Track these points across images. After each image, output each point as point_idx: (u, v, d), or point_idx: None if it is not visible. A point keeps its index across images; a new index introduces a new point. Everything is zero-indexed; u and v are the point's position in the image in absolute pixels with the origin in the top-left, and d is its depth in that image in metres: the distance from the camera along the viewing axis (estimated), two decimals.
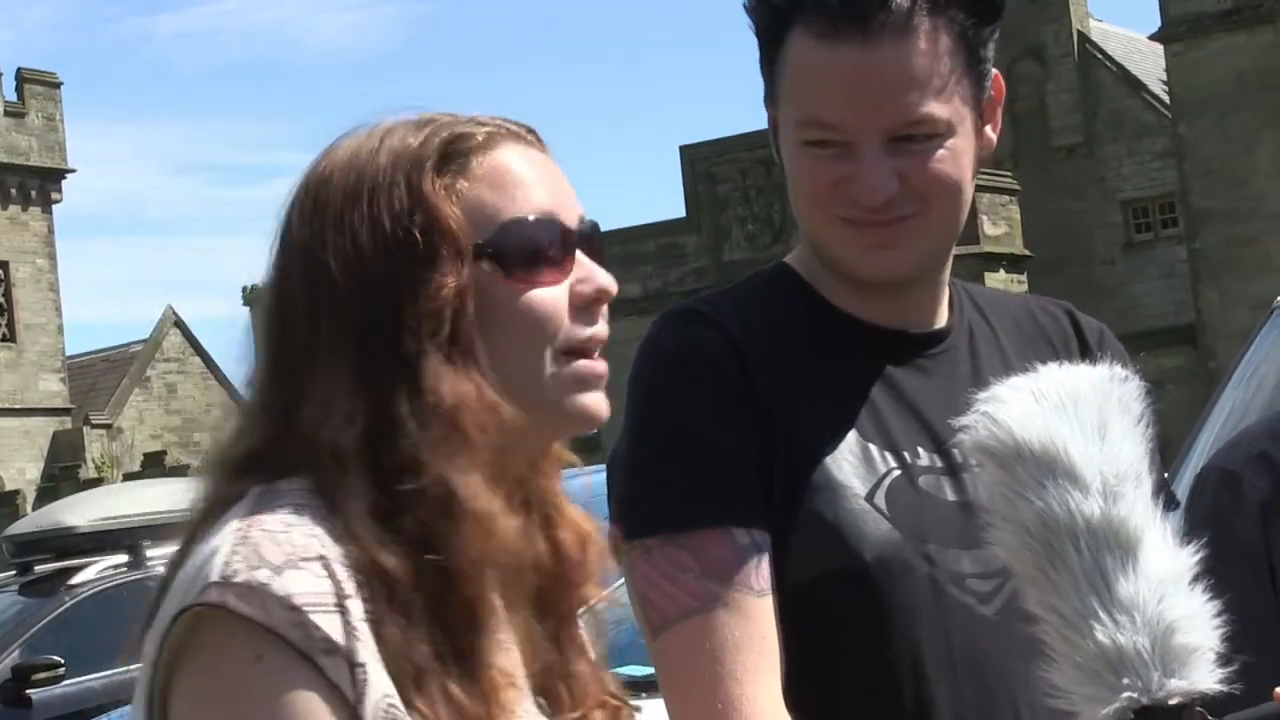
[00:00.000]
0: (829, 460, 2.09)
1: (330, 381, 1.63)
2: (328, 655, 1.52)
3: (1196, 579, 1.64)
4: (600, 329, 1.73)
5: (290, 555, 1.54)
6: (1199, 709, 1.61)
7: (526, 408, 1.67)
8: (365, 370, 1.63)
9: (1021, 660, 2.05)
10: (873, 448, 2.11)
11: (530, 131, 1.77)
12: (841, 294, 2.20)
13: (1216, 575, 1.66)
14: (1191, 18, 36.96)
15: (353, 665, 1.53)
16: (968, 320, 2.26)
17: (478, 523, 1.59)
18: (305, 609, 1.52)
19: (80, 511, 14.75)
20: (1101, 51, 43.52)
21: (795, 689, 2.04)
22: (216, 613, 1.52)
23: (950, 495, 2.12)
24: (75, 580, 13.34)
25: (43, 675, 12.08)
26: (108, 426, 46.30)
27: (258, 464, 1.65)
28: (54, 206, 46.40)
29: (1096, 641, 1.60)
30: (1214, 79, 36.71)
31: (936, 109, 2.09)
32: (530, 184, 1.71)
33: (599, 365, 1.73)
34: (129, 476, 39.97)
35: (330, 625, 1.52)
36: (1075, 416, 1.68)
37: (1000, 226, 34.85)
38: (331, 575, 1.54)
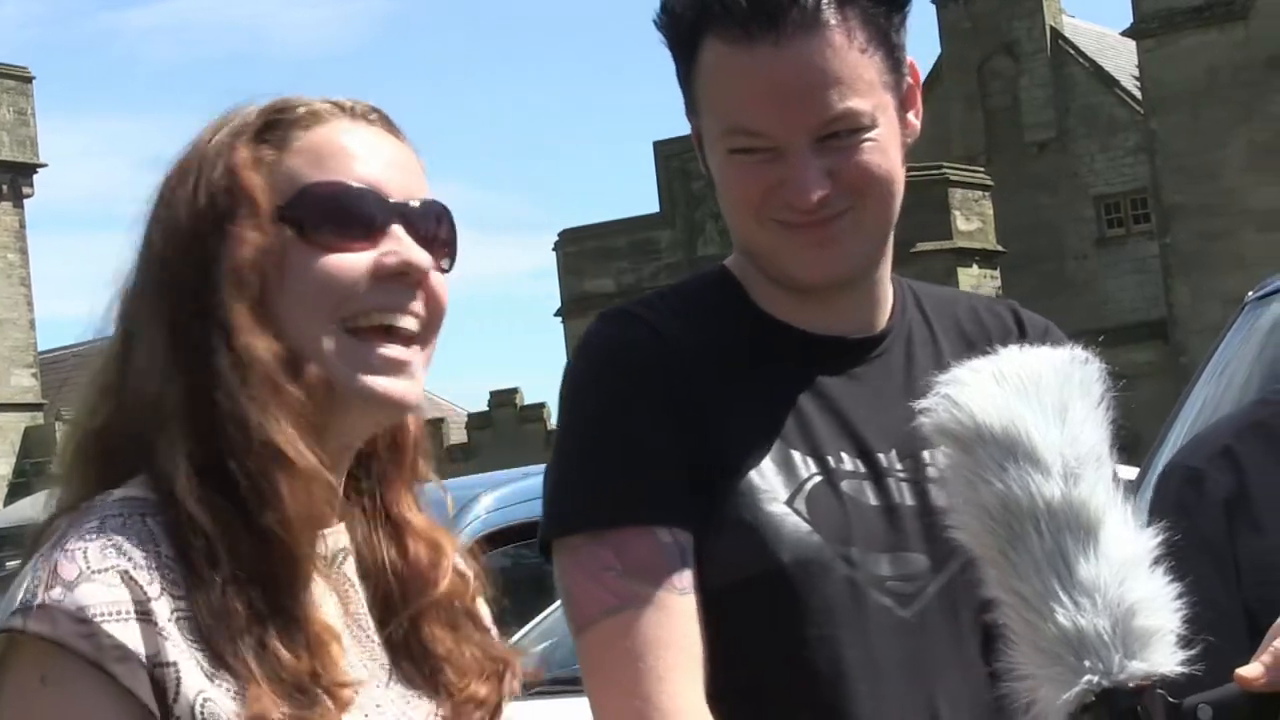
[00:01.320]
0: (751, 465, 2.10)
1: (151, 347, 1.66)
2: (121, 663, 1.55)
3: (1157, 561, 1.64)
4: (404, 305, 1.70)
5: (84, 569, 1.58)
6: (1159, 691, 1.61)
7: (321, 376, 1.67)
8: (181, 332, 1.65)
9: (940, 661, 2.08)
10: (795, 453, 2.12)
11: (375, 112, 1.76)
12: (774, 300, 2.20)
13: (1181, 572, 1.66)
14: (1163, 13, 37.05)
15: (160, 666, 1.56)
16: (908, 322, 2.26)
17: (299, 476, 1.61)
18: (96, 619, 1.55)
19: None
20: (1074, 47, 43.61)
21: (717, 688, 2.05)
22: (13, 638, 1.57)
23: (873, 500, 2.12)
24: None
25: None
26: None
27: (92, 462, 1.69)
28: (25, 201, 46.24)
29: (1057, 623, 1.59)
30: (1186, 75, 36.81)
31: (858, 103, 2.09)
32: (348, 157, 1.71)
33: (391, 350, 1.70)
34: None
35: (125, 632, 1.55)
36: (1036, 399, 1.67)
37: (973, 222, 34.92)
38: (130, 583, 1.57)
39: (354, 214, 1.69)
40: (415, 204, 1.73)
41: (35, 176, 46.51)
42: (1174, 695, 1.62)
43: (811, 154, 2.08)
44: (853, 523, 2.10)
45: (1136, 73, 39.59)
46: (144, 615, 1.56)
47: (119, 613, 1.56)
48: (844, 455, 2.14)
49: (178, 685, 1.56)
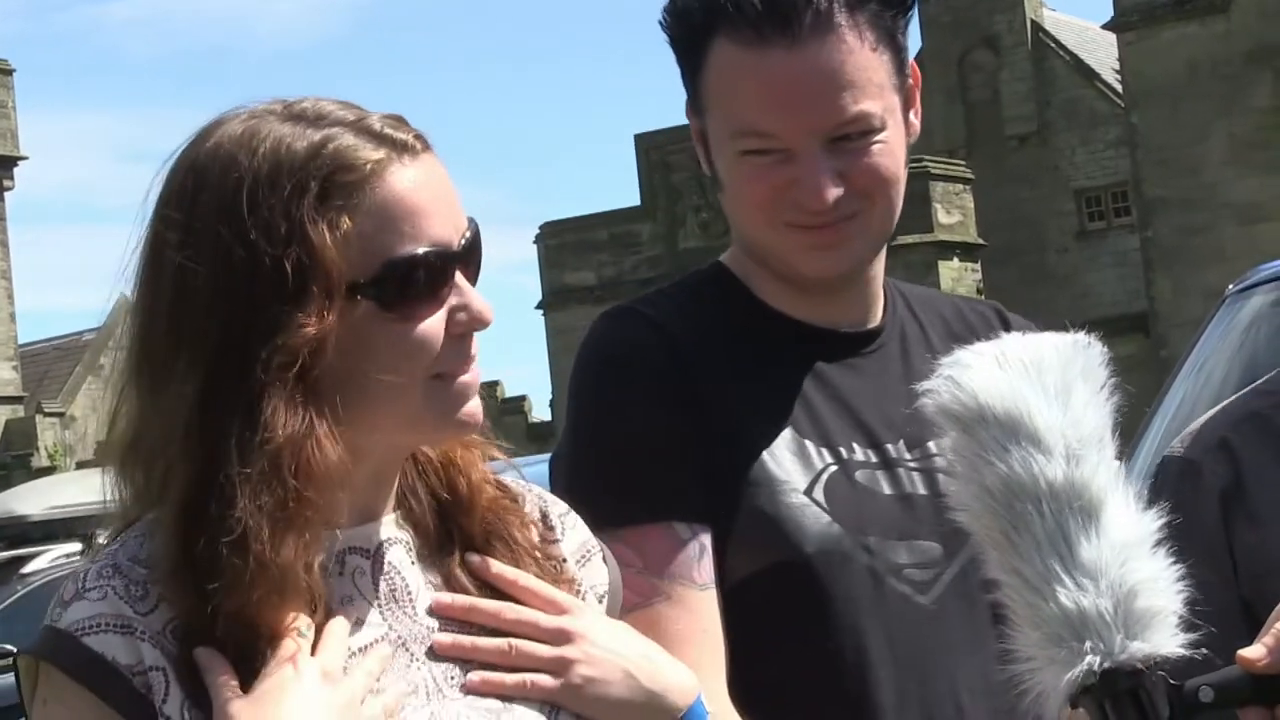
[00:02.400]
0: (767, 456, 2.11)
1: (177, 400, 1.65)
2: (98, 673, 1.61)
3: (1159, 544, 1.64)
4: (471, 353, 1.74)
5: (78, 589, 1.65)
6: (1161, 673, 1.61)
7: (393, 429, 1.71)
8: (211, 395, 1.64)
9: (958, 648, 2.11)
10: (809, 444, 2.14)
11: (419, 139, 1.74)
12: (776, 294, 2.21)
13: (1178, 564, 1.66)
14: (1144, 7, 37.06)
15: (144, 673, 1.61)
16: (900, 319, 2.28)
17: (264, 569, 1.62)
18: (78, 634, 1.62)
19: (33, 500, 14.74)
20: (1055, 41, 43.63)
21: (740, 681, 2.07)
22: (26, 660, 1.67)
23: (886, 489, 2.15)
24: (28, 569, 13.31)
25: None
26: (60, 415, 46.00)
27: (129, 485, 1.72)
28: (6, 194, 46.07)
29: (1059, 604, 1.59)
30: (1166, 68, 36.84)
31: (869, 105, 2.10)
32: (417, 214, 1.69)
33: (470, 377, 1.74)
34: (82, 465, 39.78)
35: (105, 643, 1.62)
36: (1039, 381, 1.67)
37: (954, 215, 34.92)
38: (114, 598, 1.63)
39: (429, 278, 1.69)
40: (466, 239, 1.74)
41: (15, 169, 46.35)
42: (1175, 677, 1.62)
43: (824, 155, 2.09)
44: (869, 512, 2.12)
45: (1117, 66, 39.63)
46: (125, 627, 1.63)
47: (98, 625, 1.62)
48: (855, 445, 2.16)
49: (166, 689, 1.62)
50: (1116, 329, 36.30)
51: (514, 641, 1.78)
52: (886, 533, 2.12)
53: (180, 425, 1.64)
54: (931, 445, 2.14)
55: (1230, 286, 6.43)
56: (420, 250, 1.68)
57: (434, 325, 1.70)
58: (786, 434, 2.13)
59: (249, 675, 1.61)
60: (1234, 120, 36.18)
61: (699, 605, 2.07)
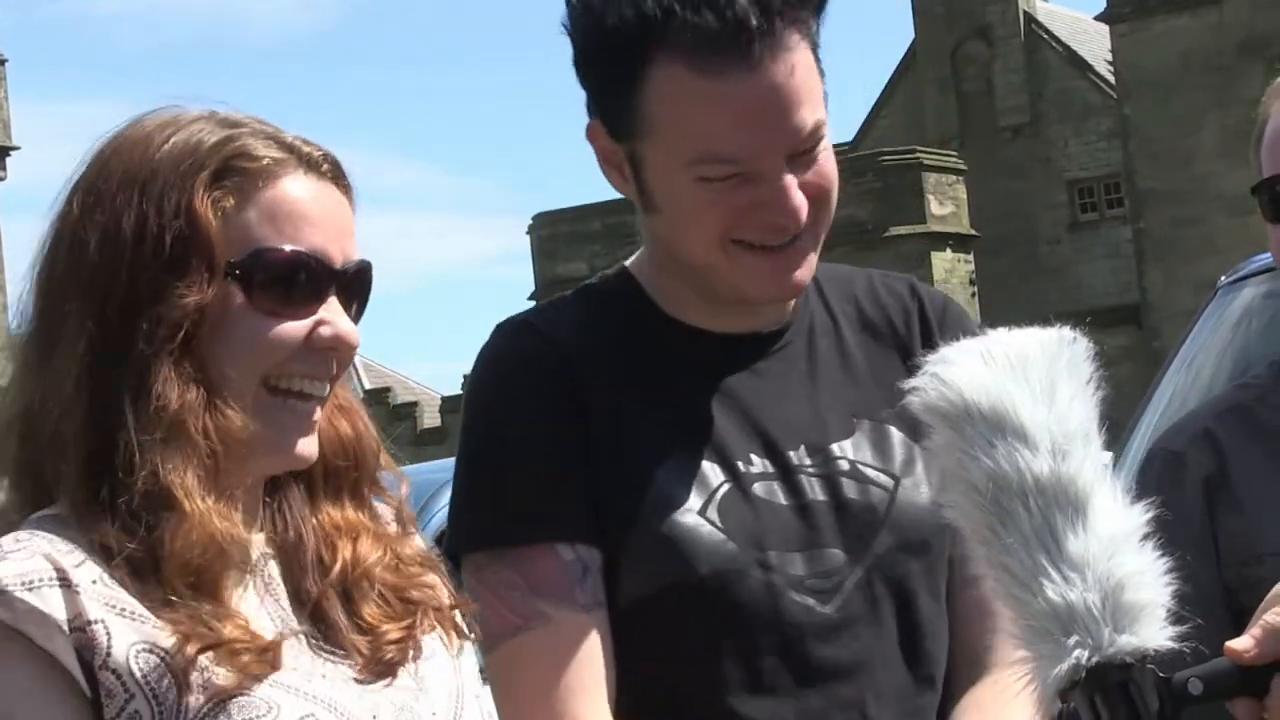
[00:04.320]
0: (660, 476, 2.08)
1: (65, 361, 1.69)
2: (38, 625, 1.61)
3: (1146, 537, 1.64)
4: (325, 374, 1.75)
5: (3, 550, 1.64)
6: (1149, 666, 1.61)
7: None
8: (97, 359, 1.68)
9: (864, 653, 2.09)
10: (704, 461, 2.10)
11: (328, 161, 1.78)
12: (683, 305, 2.17)
13: (1163, 553, 1.66)
14: None
15: (83, 628, 1.61)
16: (810, 312, 2.23)
17: (185, 520, 1.65)
18: (10, 589, 1.61)
19: None
20: (1048, 32, 43.66)
21: (633, 702, 2.06)
22: None
23: (784, 499, 2.11)
24: None
25: None
26: None
27: (23, 478, 1.74)
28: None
29: (1047, 599, 1.59)
30: (1159, 60, 36.86)
31: (819, 114, 2.06)
32: (302, 218, 1.73)
33: (309, 411, 1.75)
34: None
35: (39, 598, 1.61)
36: (1024, 377, 1.67)
37: (946, 206, 34.94)
38: (45, 555, 1.63)
39: (301, 283, 1.73)
40: (349, 268, 1.77)
41: (8, 159, 46.30)
42: (1163, 670, 1.62)
43: (788, 173, 2.04)
44: (766, 525, 2.09)
45: (1110, 58, 39.65)
46: (63, 581, 1.63)
47: (33, 581, 1.62)
48: (753, 456, 2.12)
49: (108, 640, 1.62)
50: (1108, 320, 36.32)
51: None
52: (786, 545, 2.08)
53: (69, 387, 1.68)
54: (834, 448, 2.13)
55: (1222, 278, 6.43)
56: (290, 248, 1.72)
57: (289, 329, 1.72)
58: (681, 451, 2.09)
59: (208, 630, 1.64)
60: (1226, 112, 36.19)
61: (581, 628, 2.04)
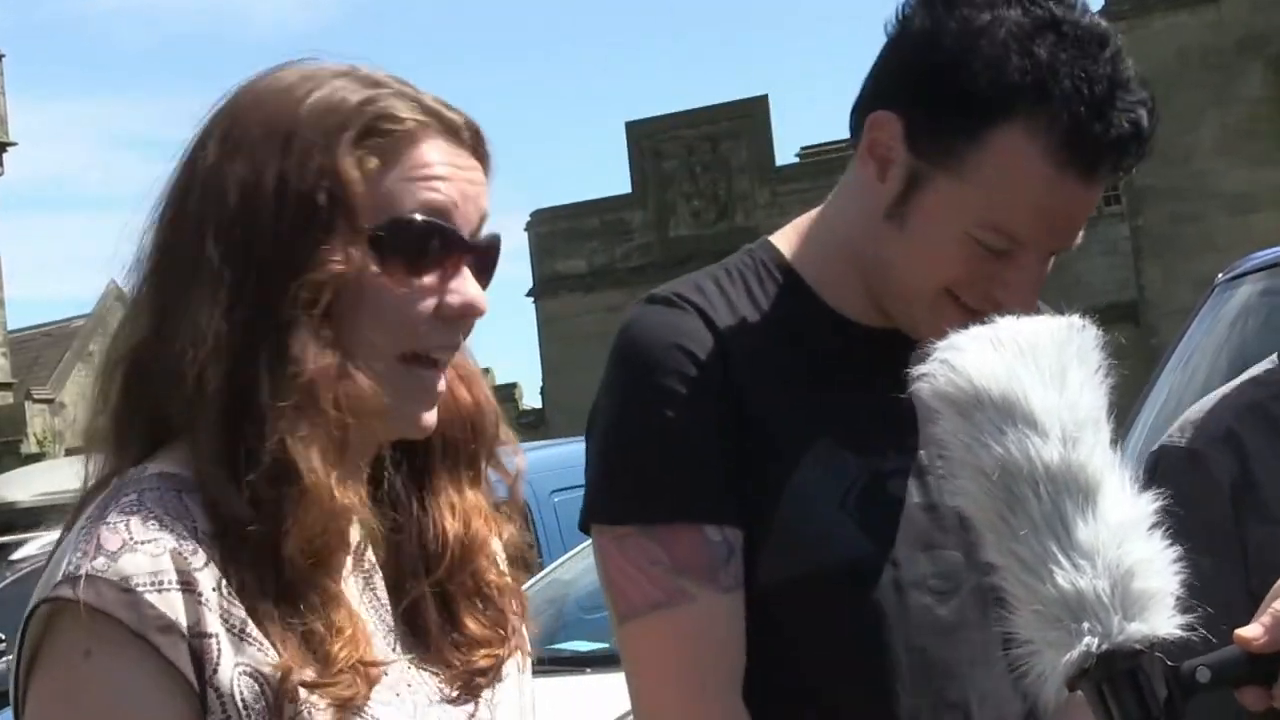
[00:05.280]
0: (803, 464, 2.10)
1: (207, 307, 1.63)
2: (163, 633, 1.55)
3: (1155, 525, 1.64)
4: (455, 342, 1.72)
5: (127, 540, 1.57)
6: (1158, 654, 1.61)
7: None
8: (237, 312, 1.63)
9: (973, 658, 2.11)
10: (847, 452, 2.12)
11: (470, 129, 1.74)
12: (844, 300, 2.19)
13: (1188, 560, 1.65)
14: None
15: (200, 637, 1.56)
16: None
17: (309, 495, 1.60)
18: (138, 589, 1.55)
19: (22, 486, 14.72)
20: None
21: (760, 687, 2.07)
22: (58, 607, 1.57)
23: (916, 497, 2.14)
24: (17, 555, 13.29)
25: None
26: (50, 401, 45.96)
27: (125, 434, 1.68)
28: None
29: (1056, 585, 1.59)
30: (1157, 57, 36.84)
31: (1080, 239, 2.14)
32: (440, 185, 1.69)
33: (436, 380, 1.71)
34: (71, 451, 39.73)
35: (166, 602, 1.55)
36: (1034, 364, 1.67)
37: None
38: (173, 554, 1.57)
39: (434, 253, 1.68)
40: (483, 239, 1.73)
41: (5, 156, 46.27)
42: (1172, 658, 1.62)
43: (1040, 268, 2.12)
44: (899, 523, 2.11)
45: None
46: (187, 586, 1.57)
47: (162, 583, 1.56)
48: (889, 453, 2.14)
49: (217, 657, 1.57)
50: (1106, 317, 35.85)
51: None
52: (913, 544, 2.11)
53: (212, 336, 1.62)
54: None
55: (1220, 276, 6.44)
56: (425, 217, 1.68)
57: (421, 298, 1.68)
58: (825, 441, 2.11)
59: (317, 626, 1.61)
60: (1225, 110, 36.21)
61: (722, 609, 2.06)
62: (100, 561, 1.56)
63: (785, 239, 2.25)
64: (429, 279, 1.69)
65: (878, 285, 2.16)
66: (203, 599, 1.57)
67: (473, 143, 1.74)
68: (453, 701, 1.74)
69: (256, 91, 1.70)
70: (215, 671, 1.57)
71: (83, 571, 1.56)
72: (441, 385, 1.73)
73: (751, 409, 2.10)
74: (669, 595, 2.05)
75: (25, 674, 1.61)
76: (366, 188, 1.65)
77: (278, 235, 1.63)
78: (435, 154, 1.70)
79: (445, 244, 1.69)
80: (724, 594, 2.06)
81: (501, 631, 1.79)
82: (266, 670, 1.58)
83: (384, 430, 1.71)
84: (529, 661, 1.87)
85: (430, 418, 1.72)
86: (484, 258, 1.74)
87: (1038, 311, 2.08)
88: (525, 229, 41.34)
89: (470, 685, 1.75)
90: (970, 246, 2.07)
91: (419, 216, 1.67)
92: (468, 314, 1.71)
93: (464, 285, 1.70)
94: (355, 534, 1.72)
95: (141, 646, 1.55)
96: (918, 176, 2.09)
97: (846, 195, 2.21)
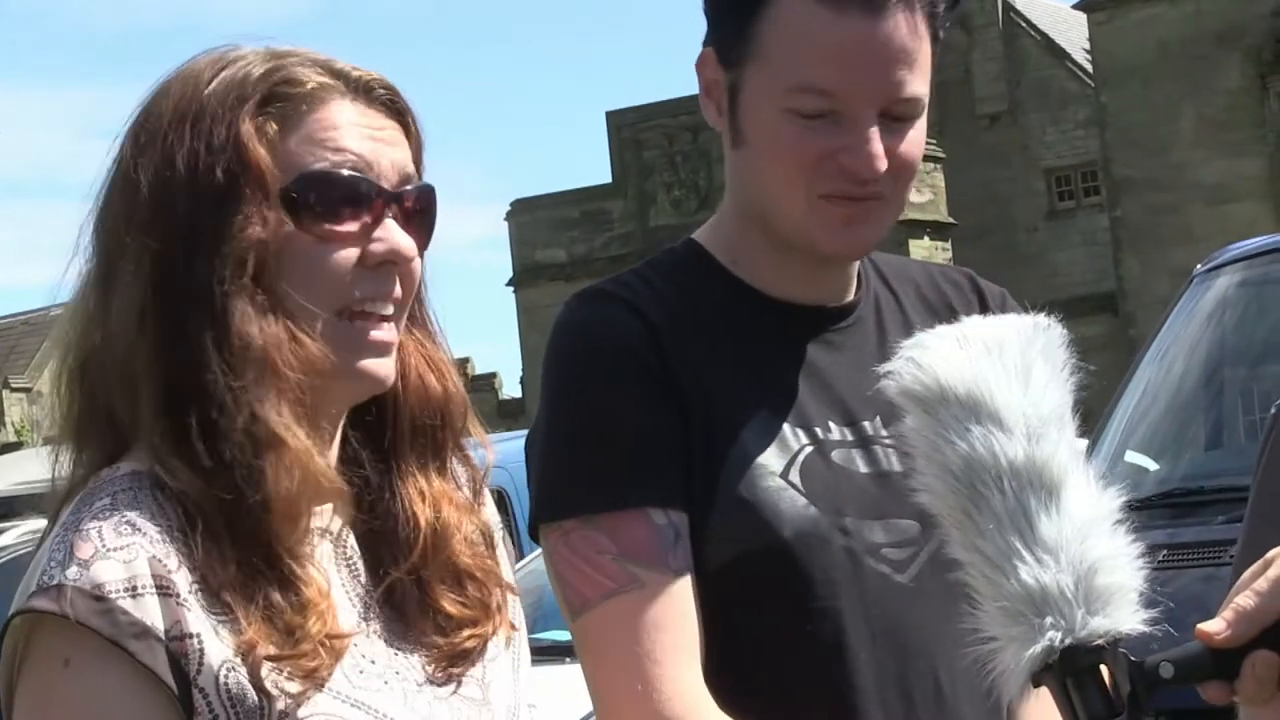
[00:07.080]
0: (744, 440, 2.11)
1: (128, 297, 1.65)
2: (138, 639, 1.55)
3: (1119, 522, 1.65)
4: (387, 292, 1.71)
5: (99, 548, 1.58)
6: (1121, 650, 1.61)
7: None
8: (162, 291, 1.64)
9: (937, 626, 2.10)
10: (786, 425, 2.13)
11: (382, 86, 1.74)
12: (758, 272, 2.20)
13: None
14: None
15: (179, 639, 1.56)
16: (874, 291, 2.28)
17: (294, 456, 1.61)
18: (111, 596, 1.55)
19: (0, 475, 14.64)
20: (1026, 20, 43.69)
21: (719, 667, 2.07)
22: (34, 618, 1.57)
23: (863, 467, 2.14)
24: None
25: None
26: (27, 390, 45.89)
27: (88, 433, 1.69)
28: None
29: (1020, 580, 1.60)
30: (1136, 48, 36.91)
31: (921, 89, 2.11)
32: (346, 139, 1.69)
33: (379, 331, 1.71)
34: (49, 441, 39.64)
35: (141, 608, 1.55)
36: (1000, 361, 1.68)
37: (924, 194, 35.00)
38: (148, 558, 1.57)
39: (348, 203, 1.68)
40: (406, 189, 1.73)
41: None
42: (1135, 654, 1.63)
43: (876, 127, 2.09)
44: (846, 492, 2.12)
45: (1088, 46, 39.69)
46: (163, 589, 1.57)
47: (135, 588, 1.56)
48: (831, 424, 2.15)
49: (200, 657, 1.57)
50: (1085, 308, 36.40)
51: None
52: (864, 512, 2.12)
53: (134, 321, 1.64)
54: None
55: (1198, 267, 6.47)
56: (333, 169, 1.68)
57: (341, 249, 1.68)
58: (762, 416, 2.12)
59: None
60: (1203, 101, 36.29)
61: (674, 592, 2.06)
62: (73, 571, 1.56)
63: (703, 232, 2.28)
64: (348, 228, 1.68)
65: (771, 227, 2.17)
66: (181, 600, 1.57)
67: (388, 101, 1.74)
68: (441, 683, 1.74)
69: (169, 83, 1.72)
70: (199, 671, 1.57)
71: (55, 581, 1.57)
72: (391, 336, 1.72)
73: (686, 391, 2.11)
74: (620, 583, 2.05)
75: (10, 685, 1.62)
76: (270, 152, 1.66)
77: (194, 216, 1.64)
78: (342, 114, 1.70)
79: (358, 194, 1.69)
80: (674, 576, 2.06)
81: (484, 611, 1.79)
82: (242, 651, 1.58)
83: (342, 391, 1.71)
84: (523, 638, 1.88)
85: (383, 367, 1.71)
86: (412, 209, 1.73)
87: (912, 175, 2.15)
88: (505, 218, 41.34)
89: (456, 666, 1.76)
90: (794, 121, 2.09)
91: (327, 166, 1.68)
92: (392, 259, 1.70)
93: (387, 233, 1.70)
94: (336, 522, 1.73)
95: (118, 654, 1.55)
96: (735, 85, 2.14)
97: (727, 168, 2.25)
